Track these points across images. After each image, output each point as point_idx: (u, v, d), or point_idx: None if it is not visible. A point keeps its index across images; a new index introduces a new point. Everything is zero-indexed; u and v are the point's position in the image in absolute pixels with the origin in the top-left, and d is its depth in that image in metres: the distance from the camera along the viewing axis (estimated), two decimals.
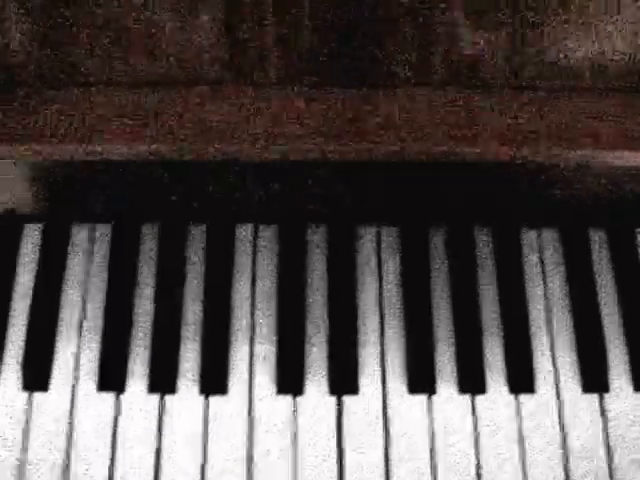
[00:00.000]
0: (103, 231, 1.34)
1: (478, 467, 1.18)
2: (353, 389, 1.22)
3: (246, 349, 1.25)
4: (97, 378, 1.23)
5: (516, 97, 1.23)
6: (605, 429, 1.21)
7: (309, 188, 1.27)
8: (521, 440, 1.20)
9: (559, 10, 1.15)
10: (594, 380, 1.23)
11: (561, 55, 1.19)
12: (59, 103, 1.20)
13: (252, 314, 1.28)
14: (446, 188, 1.27)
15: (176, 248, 1.31)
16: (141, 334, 1.26)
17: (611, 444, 1.19)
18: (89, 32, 1.14)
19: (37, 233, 1.34)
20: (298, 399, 1.22)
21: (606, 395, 1.23)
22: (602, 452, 1.19)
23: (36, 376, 1.22)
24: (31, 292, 1.29)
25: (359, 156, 1.19)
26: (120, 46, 1.17)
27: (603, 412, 1.22)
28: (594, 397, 1.23)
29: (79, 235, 1.33)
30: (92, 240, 1.33)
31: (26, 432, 1.19)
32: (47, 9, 1.14)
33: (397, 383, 1.23)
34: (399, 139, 1.19)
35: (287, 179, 1.26)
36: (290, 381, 1.22)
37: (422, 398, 1.22)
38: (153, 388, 1.22)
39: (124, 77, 1.21)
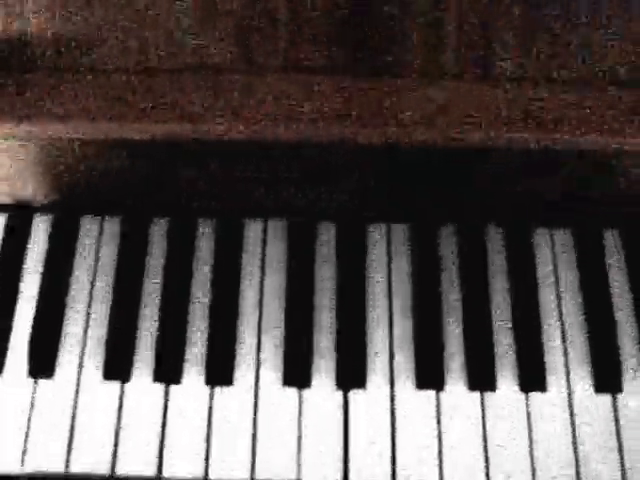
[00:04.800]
0: (112, 223, 1.34)
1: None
2: (360, 383, 1.21)
3: (253, 340, 1.25)
4: (102, 366, 1.23)
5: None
6: (617, 429, 1.18)
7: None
8: (530, 437, 1.18)
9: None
10: (607, 380, 1.21)
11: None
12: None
13: (260, 306, 1.27)
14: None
15: (184, 240, 1.31)
16: (147, 323, 1.26)
17: (624, 444, 1.17)
18: None
19: (47, 224, 1.34)
20: (304, 392, 1.21)
21: (619, 396, 1.21)
22: (614, 452, 1.17)
23: (42, 363, 1.22)
24: (39, 277, 1.30)
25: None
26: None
27: (616, 413, 1.19)
28: (606, 398, 1.21)
29: (88, 226, 1.34)
30: (101, 231, 1.33)
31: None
32: None
33: (404, 378, 1.22)
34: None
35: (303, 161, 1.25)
36: (297, 373, 1.21)
37: (430, 394, 1.21)
38: (158, 377, 1.22)
39: None
